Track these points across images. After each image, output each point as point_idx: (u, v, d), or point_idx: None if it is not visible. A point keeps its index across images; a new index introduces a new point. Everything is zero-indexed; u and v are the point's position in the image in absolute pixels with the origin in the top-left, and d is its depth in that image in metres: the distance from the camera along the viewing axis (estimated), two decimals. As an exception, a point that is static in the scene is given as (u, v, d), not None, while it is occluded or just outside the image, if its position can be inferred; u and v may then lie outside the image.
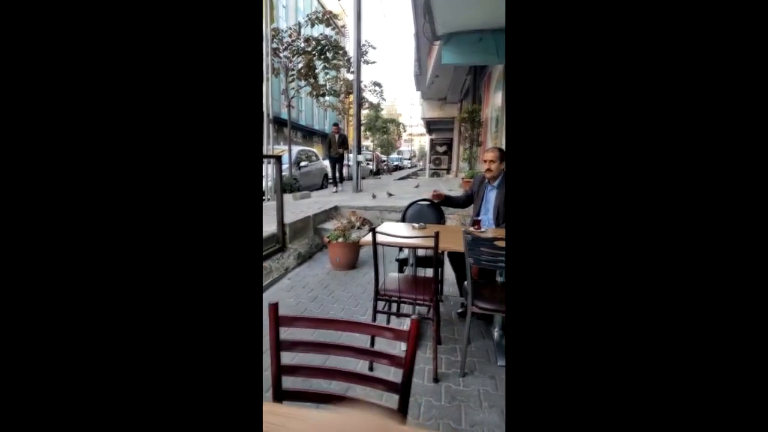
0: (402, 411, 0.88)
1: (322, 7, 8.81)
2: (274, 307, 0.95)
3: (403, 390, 0.88)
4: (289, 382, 0.98)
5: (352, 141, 8.84)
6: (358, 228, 4.03)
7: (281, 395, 0.97)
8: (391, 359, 0.92)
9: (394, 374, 0.94)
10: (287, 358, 0.99)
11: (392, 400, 0.92)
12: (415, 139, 48.55)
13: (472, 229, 2.37)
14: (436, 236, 1.93)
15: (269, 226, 4.18)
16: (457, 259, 2.78)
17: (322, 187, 10.07)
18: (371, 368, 2.03)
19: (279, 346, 0.96)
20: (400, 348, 2.30)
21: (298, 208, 5.44)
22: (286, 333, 0.97)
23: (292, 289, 3.35)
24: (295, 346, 0.98)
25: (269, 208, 5.30)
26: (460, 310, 2.79)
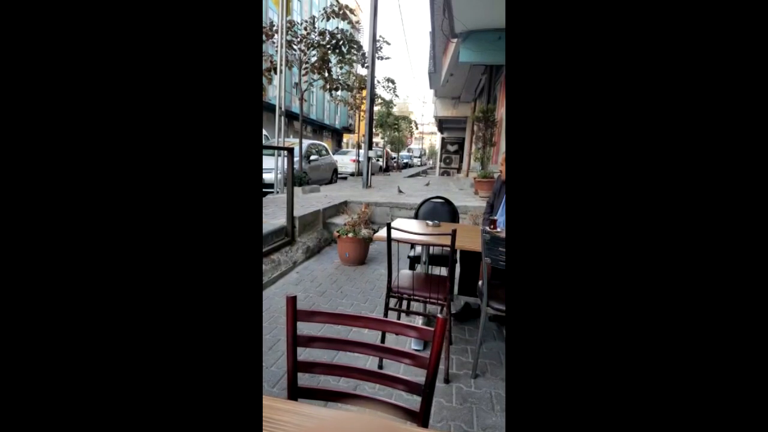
0: (423, 413, 0.84)
1: (337, 1, 8.71)
2: (292, 300, 0.92)
3: (428, 392, 0.83)
4: (299, 378, 0.94)
5: (363, 136, 8.80)
6: (364, 227, 3.99)
7: (296, 392, 0.93)
8: (413, 359, 0.88)
9: (405, 372, 0.90)
10: (298, 353, 0.95)
11: (403, 398, 0.88)
12: (426, 138, 48.46)
13: (489, 228, 2.32)
14: (453, 234, 1.88)
15: (279, 219, 4.16)
16: (468, 258, 2.74)
17: (331, 181, 10.06)
18: (381, 366, 1.99)
19: (296, 341, 0.92)
20: (409, 346, 2.27)
21: (308, 201, 5.42)
22: (298, 327, 0.94)
23: (300, 282, 3.33)
24: (312, 341, 0.94)
25: (279, 200, 5.30)
26: (454, 312, 2.68)
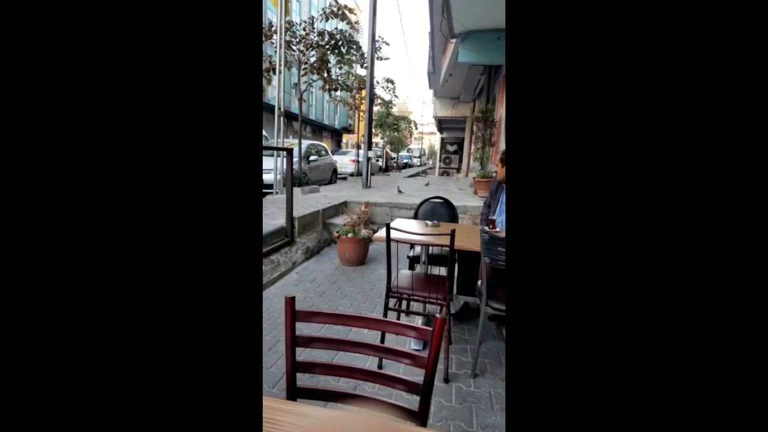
0: (422, 413, 0.85)
1: (336, 1, 8.72)
2: (291, 300, 0.92)
3: (426, 392, 0.84)
4: (299, 378, 0.94)
5: (362, 136, 8.81)
6: (364, 227, 4.00)
7: (296, 392, 0.93)
8: (412, 359, 0.88)
9: (405, 372, 0.90)
10: (297, 353, 0.95)
11: (403, 398, 0.88)
12: (425, 138, 48.47)
13: (488, 228, 2.32)
14: (452, 234, 1.88)
15: (278, 220, 4.16)
16: (467, 258, 2.74)
17: (330, 181, 10.06)
18: (380, 366, 2.00)
19: (295, 341, 0.93)
20: (409, 346, 2.27)
21: (307, 202, 5.42)
22: (297, 328, 0.94)
23: (300, 283, 3.33)
24: (312, 342, 0.94)
25: (278, 201, 5.30)
26: (454, 312, 2.69)
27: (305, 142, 8.78)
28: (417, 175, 17.19)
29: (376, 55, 8.96)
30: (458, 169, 17.76)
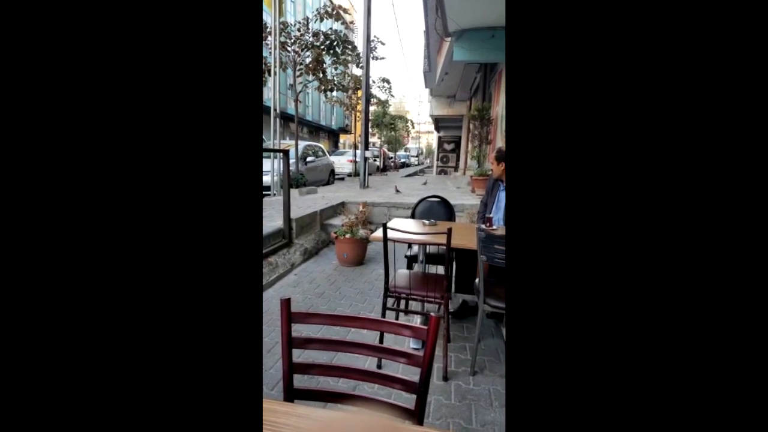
0: (419, 411, 0.85)
1: (330, 1, 8.70)
2: (287, 302, 0.92)
3: (422, 390, 0.84)
4: (297, 380, 0.95)
5: (359, 136, 8.81)
6: (362, 227, 4.00)
7: (293, 394, 0.94)
8: (409, 358, 0.88)
9: (403, 371, 0.90)
10: (296, 355, 0.95)
11: (402, 398, 0.88)
12: (423, 137, 48.48)
13: (485, 226, 2.33)
14: (449, 233, 1.89)
15: (276, 221, 4.16)
16: (464, 256, 2.75)
17: (328, 182, 10.05)
18: (379, 366, 2.00)
19: (291, 343, 0.93)
20: (408, 345, 2.28)
21: (305, 203, 5.41)
22: (295, 329, 0.94)
23: (298, 284, 3.33)
24: (308, 343, 0.94)
25: (276, 203, 5.29)
26: (452, 310, 2.69)
27: (302, 143, 8.77)
28: (415, 174, 17.21)
29: (371, 55, 8.96)
30: (456, 168, 17.78)
